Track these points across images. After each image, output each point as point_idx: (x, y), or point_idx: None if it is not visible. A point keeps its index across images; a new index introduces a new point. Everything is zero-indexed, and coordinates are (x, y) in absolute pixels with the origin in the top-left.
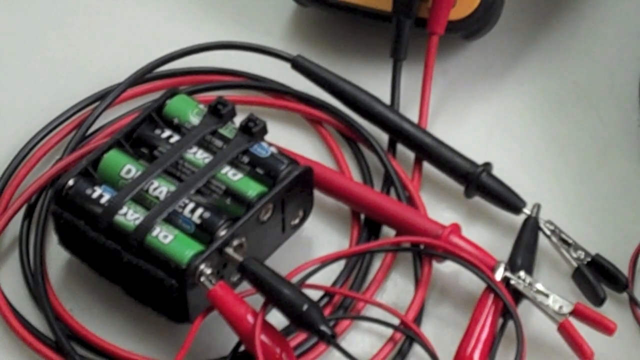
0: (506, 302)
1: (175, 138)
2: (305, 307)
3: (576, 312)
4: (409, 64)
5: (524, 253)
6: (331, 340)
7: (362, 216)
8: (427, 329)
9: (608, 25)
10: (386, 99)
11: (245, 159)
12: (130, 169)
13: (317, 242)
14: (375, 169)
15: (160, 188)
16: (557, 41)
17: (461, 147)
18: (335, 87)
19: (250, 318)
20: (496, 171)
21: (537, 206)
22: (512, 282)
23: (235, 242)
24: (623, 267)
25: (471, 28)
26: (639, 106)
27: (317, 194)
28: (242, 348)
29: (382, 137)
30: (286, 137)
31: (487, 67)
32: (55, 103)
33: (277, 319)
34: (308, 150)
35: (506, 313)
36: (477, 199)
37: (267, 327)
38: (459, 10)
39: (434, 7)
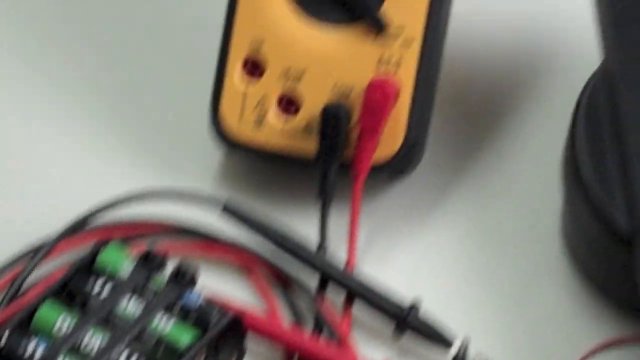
0: None
1: (106, 290)
2: None
3: None
4: (337, 202)
5: None
6: None
7: (295, 359)
8: None
9: (528, 161)
10: (316, 238)
11: (176, 309)
12: (64, 320)
13: None
14: (308, 310)
15: (94, 338)
16: (481, 176)
17: (391, 283)
18: (265, 231)
19: None
20: (426, 305)
21: (466, 342)
22: None
23: None
24: None
25: (395, 168)
26: (560, 240)
27: (250, 338)
28: None
29: (314, 278)
30: (218, 282)
31: (413, 204)
32: None
33: None
34: (240, 295)
35: None
36: (409, 336)
37: None
38: (382, 152)
39: (358, 151)
